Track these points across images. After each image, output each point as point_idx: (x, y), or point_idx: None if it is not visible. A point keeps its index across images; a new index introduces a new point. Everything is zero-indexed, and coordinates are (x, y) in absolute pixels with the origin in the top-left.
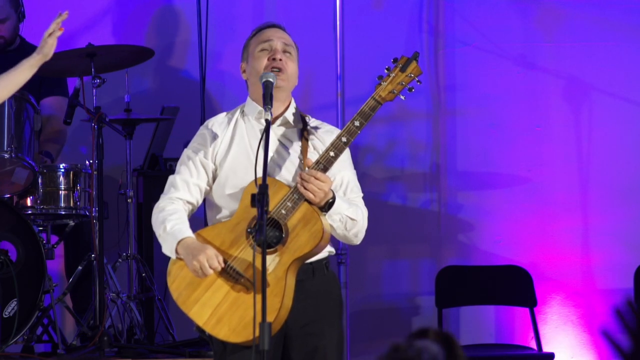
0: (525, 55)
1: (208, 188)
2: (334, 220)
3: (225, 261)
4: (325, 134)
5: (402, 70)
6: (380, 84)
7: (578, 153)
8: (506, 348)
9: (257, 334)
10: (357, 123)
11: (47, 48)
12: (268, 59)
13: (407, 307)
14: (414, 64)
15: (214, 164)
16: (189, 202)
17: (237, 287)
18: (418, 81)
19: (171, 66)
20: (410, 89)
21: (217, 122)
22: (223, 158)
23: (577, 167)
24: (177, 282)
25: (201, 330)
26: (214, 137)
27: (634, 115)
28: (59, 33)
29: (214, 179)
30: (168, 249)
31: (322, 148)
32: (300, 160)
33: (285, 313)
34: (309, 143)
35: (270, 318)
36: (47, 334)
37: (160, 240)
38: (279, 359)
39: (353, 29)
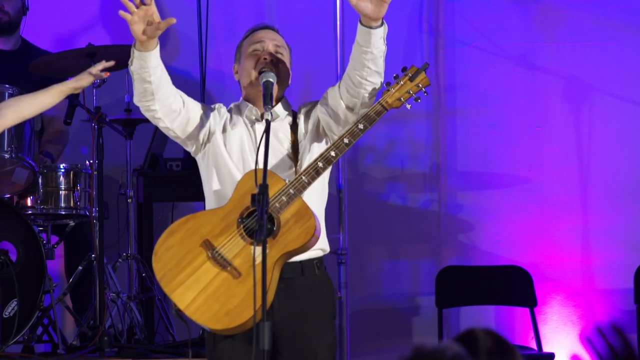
0: (525, 55)
1: (192, 119)
2: (379, 46)
3: (213, 247)
4: (304, 107)
5: (411, 79)
6: (388, 90)
7: (578, 153)
8: None
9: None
10: (360, 126)
11: (83, 82)
12: (258, 59)
13: (407, 307)
14: (423, 75)
15: (209, 130)
16: (179, 92)
17: (222, 275)
18: (425, 92)
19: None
20: (417, 99)
21: (224, 109)
22: (216, 150)
23: (577, 167)
24: (162, 262)
25: (180, 314)
26: (220, 116)
27: (634, 115)
28: (102, 76)
29: (200, 142)
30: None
31: (305, 127)
32: (290, 154)
33: (267, 306)
34: (298, 134)
35: (252, 310)
36: (47, 334)
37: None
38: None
39: (353, 29)
